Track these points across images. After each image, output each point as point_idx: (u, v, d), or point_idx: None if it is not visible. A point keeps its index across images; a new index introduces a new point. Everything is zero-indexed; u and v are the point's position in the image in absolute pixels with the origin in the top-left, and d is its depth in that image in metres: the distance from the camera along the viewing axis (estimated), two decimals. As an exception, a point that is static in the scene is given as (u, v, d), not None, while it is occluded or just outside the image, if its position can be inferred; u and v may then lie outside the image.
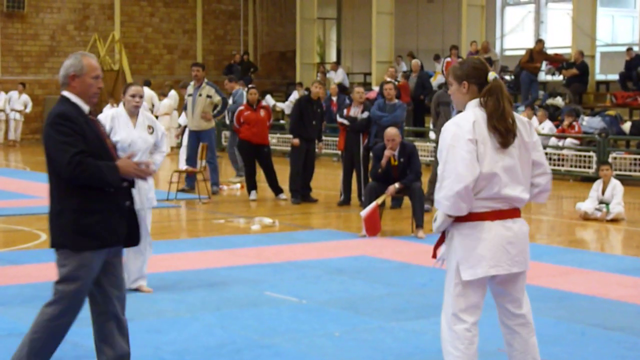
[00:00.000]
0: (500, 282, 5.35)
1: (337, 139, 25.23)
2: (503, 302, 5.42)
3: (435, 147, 15.76)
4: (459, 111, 5.39)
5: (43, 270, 9.90)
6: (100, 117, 8.80)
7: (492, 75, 5.30)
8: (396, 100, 15.27)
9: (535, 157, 5.37)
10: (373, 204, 12.27)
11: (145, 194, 8.69)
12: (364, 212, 12.28)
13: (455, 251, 5.28)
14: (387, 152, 12.52)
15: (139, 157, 8.63)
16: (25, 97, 31.22)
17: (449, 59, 27.07)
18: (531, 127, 5.41)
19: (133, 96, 8.78)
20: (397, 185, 12.50)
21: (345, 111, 15.60)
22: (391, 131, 12.74)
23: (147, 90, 27.88)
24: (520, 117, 5.35)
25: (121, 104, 8.96)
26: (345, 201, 15.68)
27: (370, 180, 13.09)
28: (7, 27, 32.72)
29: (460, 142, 5.16)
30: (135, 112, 8.83)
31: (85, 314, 7.96)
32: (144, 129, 8.81)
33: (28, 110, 31.24)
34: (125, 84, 9.11)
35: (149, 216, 8.86)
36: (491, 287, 5.41)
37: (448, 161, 5.19)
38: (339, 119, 15.64)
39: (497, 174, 5.20)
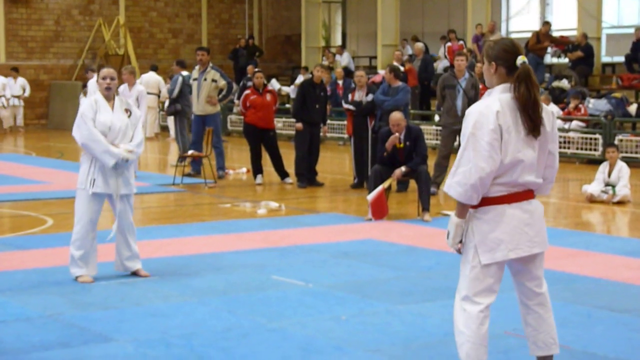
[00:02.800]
0: (521, 261, 5.35)
1: (343, 122, 25.39)
2: (524, 281, 5.42)
3: (441, 131, 15.74)
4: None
5: (49, 256, 9.93)
6: (87, 100, 8.82)
7: (520, 59, 5.21)
8: (399, 83, 15.23)
9: (550, 148, 5.36)
10: (379, 188, 12.27)
11: (125, 180, 8.71)
12: (371, 196, 12.28)
13: (473, 235, 5.27)
14: (392, 138, 12.50)
15: (118, 140, 8.67)
16: (21, 80, 30.92)
17: (449, 44, 27.03)
18: (554, 117, 5.39)
19: (104, 78, 8.72)
20: (403, 168, 12.49)
21: (350, 96, 15.59)
22: (396, 116, 12.70)
23: (154, 76, 27.80)
24: (546, 107, 5.32)
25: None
26: (359, 184, 15.68)
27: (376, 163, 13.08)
28: (11, 12, 32.69)
29: (482, 130, 5.13)
30: (109, 94, 8.76)
31: (92, 299, 8.00)
32: (121, 112, 8.77)
33: (27, 94, 30.95)
34: (98, 67, 9.06)
35: (131, 201, 8.86)
36: (511, 267, 5.42)
37: (467, 149, 5.17)
38: (345, 105, 15.65)
39: (518, 163, 5.18)
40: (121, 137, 8.68)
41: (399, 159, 12.61)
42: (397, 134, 12.51)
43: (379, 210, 12.29)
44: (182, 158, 17.35)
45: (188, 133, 18.72)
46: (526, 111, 5.17)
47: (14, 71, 30.78)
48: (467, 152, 5.17)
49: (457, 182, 5.20)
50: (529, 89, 5.18)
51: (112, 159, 8.54)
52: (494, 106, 5.18)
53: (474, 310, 5.26)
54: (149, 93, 25.45)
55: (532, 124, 5.18)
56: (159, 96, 27.71)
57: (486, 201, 5.24)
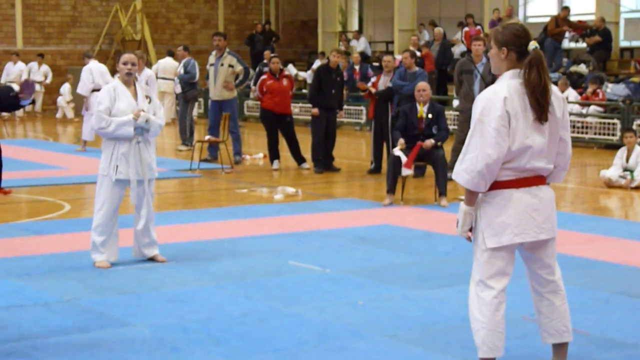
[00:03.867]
0: (529, 248, 5.34)
1: (360, 107, 25.38)
2: (535, 269, 5.41)
3: (458, 116, 15.70)
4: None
5: (67, 241, 9.96)
6: (105, 89, 8.80)
7: (532, 45, 5.18)
8: (417, 69, 15.20)
9: (562, 135, 5.32)
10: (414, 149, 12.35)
11: (147, 165, 8.71)
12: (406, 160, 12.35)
13: (480, 219, 5.26)
14: (399, 145, 12.55)
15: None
16: (45, 67, 31.04)
17: (467, 29, 26.93)
18: (565, 104, 5.35)
19: (125, 64, 8.71)
20: (432, 141, 12.47)
21: (375, 79, 15.58)
22: (423, 83, 12.92)
23: (170, 61, 27.75)
24: (557, 93, 5.28)
25: (116, 76, 8.90)
26: (376, 169, 15.67)
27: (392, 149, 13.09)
28: (29, -2, 32.77)
29: (489, 117, 5.11)
30: (130, 80, 8.74)
31: (109, 284, 8.02)
32: (142, 99, 8.76)
33: (48, 80, 31.03)
34: (119, 54, 9.03)
35: (152, 186, 8.86)
36: (522, 254, 5.40)
37: (474, 135, 5.16)
38: (359, 84, 15.64)
39: (526, 149, 5.15)
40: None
41: (419, 129, 12.66)
42: (401, 141, 12.51)
43: (409, 162, 12.35)
44: (189, 141, 17.49)
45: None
46: (534, 96, 5.13)
47: (40, 57, 30.83)
48: (475, 139, 5.15)
49: (464, 169, 5.18)
50: (540, 74, 5.14)
51: (129, 127, 8.52)
52: (501, 92, 5.15)
53: (488, 296, 5.24)
54: (165, 79, 25.65)
55: (540, 109, 5.15)
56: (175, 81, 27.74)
57: (494, 185, 5.22)
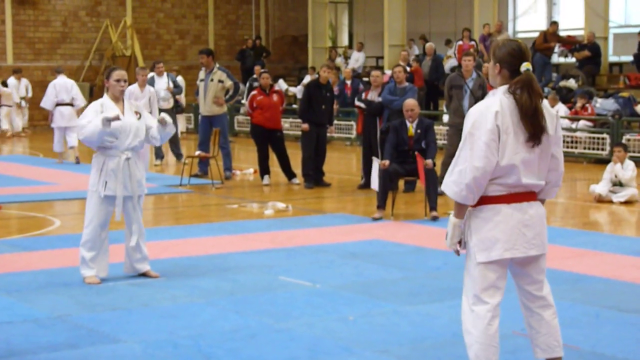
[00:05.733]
0: (519, 264, 5.35)
1: (350, 123, 25.39)
2: (523, 285, 5.41)
3: (448, 130, 15.73)
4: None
5: (57, 257, 9.94)
6: (91, 105, 8.79)
7: (524, 66, 5.19)
8: (406, 84, 15.23)
9: (553, 152, 5.33)
10: (418, 163, 12.39)
11: (137, 181, 8.71)
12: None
13: (471, 233, 5.27)
14: (381, 164, 12.59)
15: (129, 142, 8.66)
16: (25, 82, 30.71)
17: (460, 42, 26.99)
18: (558, 120, 5.36)
19: (118, 81, 8.72)
20: (431, 161, 12.47)
21: (363, 95, 15.61)
22: (411, 101, 12.91)
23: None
24: (549, 109, 5.29)
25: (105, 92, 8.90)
26: (367, 184, 15.67)
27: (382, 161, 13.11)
28: (19, 14, 32.74)
29: (479, 130, 5.13)
30: (121, 97, 8.77)
31: (100, 300, 8.00)
32: (131, 114, 8.76)
33: (29, 94, 30.71)
34: (108, 69, 9.00)
35: (142, 202, 8.85)
36: (511, 269, 5.41)
37: (464, 148, 5.18)
38: (357, 102, 15.68)
39: (515, 165, 5.17)
40: (132, 137, 8.68)
41: (409, 145, 12.70)
42: (386, 162, 12.54)
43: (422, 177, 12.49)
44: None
45: None
46: (526, 119, 5.15)
47: (16, 73, 30.36)
48: (464, 152, 5.18)
49: (453, 181, 5.21)
50: (530, 97, 5.15)
51: (97, 121, 8.45)
52: (493, 107, 5.17)
53: (481, 310, 5.25)
54: None
55: (533, 131, 5.16)
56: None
57: (484, 200, 5.23)
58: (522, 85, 5.17)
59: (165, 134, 8.89)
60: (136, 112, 8.80)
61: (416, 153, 12.54)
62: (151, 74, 19.88)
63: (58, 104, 20.62)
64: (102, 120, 8.42)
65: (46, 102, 20.89)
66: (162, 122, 8.77)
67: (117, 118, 8.47)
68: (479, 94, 14.48)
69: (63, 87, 20.72)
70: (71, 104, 20.78)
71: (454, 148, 14.93)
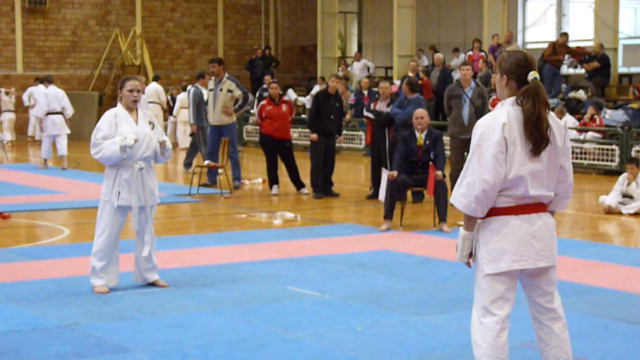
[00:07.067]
0: (529, 275, 5.33)
1: (360, 133, 25.37)
2: (533, 296, 5.40)
3: (449, 141, 15.69)
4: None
5: (66, 266, 9.95)
6: (105, 116, 8.79)
7: (531, 75, 5.19)
8: (414, 95, 15.15)
9: (562, 163, 5.33)
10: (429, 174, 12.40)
11: (150, 191, 8.72)
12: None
13: (479, 245, 5.27)
14: (390, 175, 12.58)
15: (142, 151, 8.66)
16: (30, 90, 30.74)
17: (470, 53, 26.98)
18: (566, 132, 5.35)
19: (131, 91, 8.72)
20: (440, 173, 12.46)
21: (372, 105, 15.60)
22: (421, 110, 12.89)
23: (155, 86, 28.11)
24: (557, 121, 5.29)
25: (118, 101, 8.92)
26: (375, 195, 15.65)
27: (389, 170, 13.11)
28: (29, 23, 32.84)
29: (487, 142, 5.13)
30: (134, 106, 8.76)
31: (108, 309, 8.01)
32: (145, 124, 8.78)
33: (33, 102, 30.67)
34: (122, 79, 9.00)
35: (153, 212, 8.87)
36: (521, 281, 5.39)
37: (472, 160, 5.18)
38: (365, 113, 15.70)
39: (523, 177, 5.17)
40: (145, 148, 8.68)
41: (418, 155, 12.68)
42: (394, 173, 12.51)
43: (430, 189, 12.45)
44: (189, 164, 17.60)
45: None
46: (528, 127, 5.15)
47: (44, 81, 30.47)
48: (472, 164, 5.18)
49: (461, 193, 5.21)
50: (534, 105, 5.15)
51: (115, 145, 8.49)
52: (501, 119, 5.17)
53: (490, 322, 5.24)
54: (152, 102, 26.41)
55: (534, 140, 5.16)
56: (161, 105, 28.11)
57: (493, 212, 5.23)
58: (529, 93, 5.17)
59: (162, 158, 8.86)
60: (150, 122, 8.82)
61: (430, 163, 12.52)
62: (190, 87, 19.88)
63: (49, 113, 21.45)
64: (120, 147, 8.46)
65: (37, 111, 22.12)
66: (161, 145, 8.76)
67: (134, 143, 8.52)
68: (479, 103, 14.48)
69: (54, 96, 21.49)
70: (61, 113, 21.50)
71: (455, 159, 14.97)
